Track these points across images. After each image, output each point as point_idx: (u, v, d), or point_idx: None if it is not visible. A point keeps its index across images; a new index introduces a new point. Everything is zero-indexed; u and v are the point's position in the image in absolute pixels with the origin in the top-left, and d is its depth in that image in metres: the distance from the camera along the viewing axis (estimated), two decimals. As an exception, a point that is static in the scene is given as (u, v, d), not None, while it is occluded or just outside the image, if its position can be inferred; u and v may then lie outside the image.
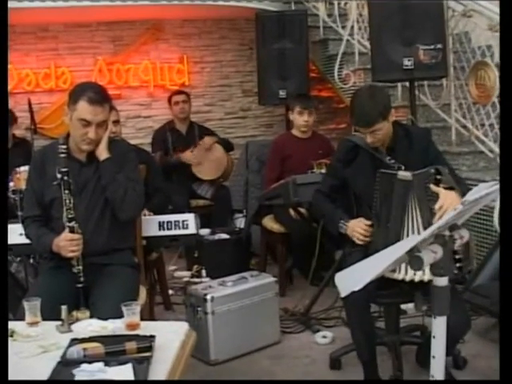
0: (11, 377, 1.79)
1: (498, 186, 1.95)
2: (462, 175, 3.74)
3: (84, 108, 2.61)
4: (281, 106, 5.66)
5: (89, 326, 2.17)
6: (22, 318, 2.23)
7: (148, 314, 3.30)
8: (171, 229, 3.35)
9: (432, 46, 3.97)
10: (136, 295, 2.68)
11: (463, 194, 2.11)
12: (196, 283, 3.78)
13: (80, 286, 2.60)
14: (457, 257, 2.28)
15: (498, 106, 4.07)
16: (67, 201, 2.60)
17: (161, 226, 3.35)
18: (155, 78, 6.21)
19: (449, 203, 2.40)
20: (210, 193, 5.24)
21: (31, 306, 2.19)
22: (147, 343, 1.93)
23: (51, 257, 2.72)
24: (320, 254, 3.65)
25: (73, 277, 2.61)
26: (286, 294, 4.11)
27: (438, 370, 1.98)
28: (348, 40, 5.19)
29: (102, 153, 2.71)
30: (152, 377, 1.79)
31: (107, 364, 1.83)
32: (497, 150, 4.12)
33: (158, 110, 6.20)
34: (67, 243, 2.59)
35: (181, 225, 3.36)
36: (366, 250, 2.64)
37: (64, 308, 2.17)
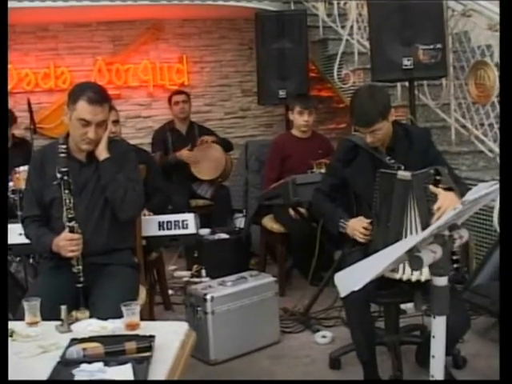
0: (11, 377, 1.79)
1: (497, 186, 1.95)
2: (462, 175, 3.75)
3: (83, 108, 2.61)
4: (280, 105, 5.66)
5: (88, 326, 2.17)
6: (21, 318, 2.23)
7: (148, 314, 3.30)
8: (171, 229, 3.36)
9: (431, 46, 3.97)
10: (136, 295, 2.68)
11: (462, 195, 2.11)
12: (196, 283, 3.78)
13: (80, 285, 2.60)
14: (454, 257, 2.28)
15: (497, 105, 4.07)
16: (67, 201, 2.60)
17: (161, 225, 3.35)
18: (155, 78, 6.20)
19: (447, 204, 2.40)
20: (209, 193, 5.24)
21: (31, 306, 2.19)
22: (147, 343, 1.93)
23: (51, 257, 2.72)
24: (320, 253, 3.64)
25: (72, 277, 2.61)
26: (286, 294, 4.11)
27: (437, 369, 1.98)
28: (347, 40, 5.19)
29: (102, 153, 2.71)
30: (152, 377, 1.79)
31: (107, 364, 1.83)
32: (496, 149, 4.12)
33: (157, 110, 6.19)
34: (67, 243, 2.59)
35: (181, 225, 3.36)
36: (366, 250, 2.64)
37: (64, 308, 2.17)
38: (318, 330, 3.52)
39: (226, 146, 5.39)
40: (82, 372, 1.79)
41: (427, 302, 2.61)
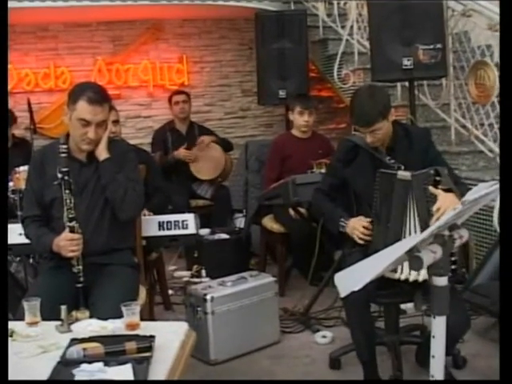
0: (11, 377, 1.79)
1: (497, 186, 1.95)
2: (462, 175, 3.75)
3: (83, 108, 2.61)
4: (280, 105, 5.66)
5: (88, 326, 2.17)
6: (21, 318, 2.23)
7: (148, 314, 3.30)
8: (171, 229, 3.36)
9: (431, 46, 3.97)
10: (136, 295, 2.68)
11: (462, 195, 2.11)
12: (196, 283, 3.78)
13: (80, 285, 2.60)
14: (452, 258, 2.28)
15: (497, 105, 4.07)
16: (68, 201, 2.60)
17: (160, 225, 3.35)
18: (155, 78, 6.20)
19: (447, 205, 2.40)
20: (209, 193, 5.24)
21: (31, 306, 2.19)
22: (147, 343, 1.93)
23: (51, 257, 2.72)
24: (320, 253, 3.64)
25: (72, 277, 2.61)
26: (286, 294, 4.11)
27: (437, 369, 1.98)
28: (347, 40, 5.19)
29: (102, 153, 2.71)
30: (152, 377, 1.79)
31: (107, 364, 1.83)
32: (496, 149, 4.12)
33: (157, 110, 6.19)
34: (67, 243, 2.59)
35: (180, 225, 3.36)
36: (366, 250, 2.64)
37: (64, 308, 2.17)
38: (317, 330, 3.52)
39: (226, 145, 5.39)
40: (82, 372, 1.79)
41: (427, 302, 2.60)
